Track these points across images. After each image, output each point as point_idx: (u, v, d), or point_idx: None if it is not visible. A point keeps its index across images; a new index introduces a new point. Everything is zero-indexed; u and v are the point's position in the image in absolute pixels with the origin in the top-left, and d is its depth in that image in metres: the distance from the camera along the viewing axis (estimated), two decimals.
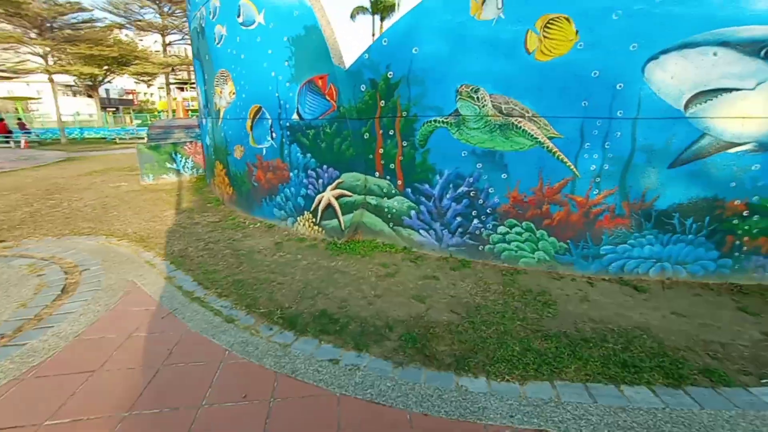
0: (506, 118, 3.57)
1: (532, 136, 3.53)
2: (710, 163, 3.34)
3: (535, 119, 3.51)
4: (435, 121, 3.85)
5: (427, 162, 4.04)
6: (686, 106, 3.21)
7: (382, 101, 4.05)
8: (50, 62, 20.39)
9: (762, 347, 2.65)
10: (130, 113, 39.40)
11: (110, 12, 22.84)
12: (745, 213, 3.43)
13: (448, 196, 4.04)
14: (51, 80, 21.21)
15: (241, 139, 5.49)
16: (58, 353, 2.59)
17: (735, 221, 3.45)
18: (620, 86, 3.25)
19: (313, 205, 4.75)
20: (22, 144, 19.94)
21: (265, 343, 2.71)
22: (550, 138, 3.52)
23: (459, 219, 4.06)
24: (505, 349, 2.60)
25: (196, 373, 2.38)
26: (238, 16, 4.84)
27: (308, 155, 4.63)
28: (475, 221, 3.99)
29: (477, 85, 3.57)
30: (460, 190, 3.96)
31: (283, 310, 3.16)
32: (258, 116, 5.04)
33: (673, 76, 3.15)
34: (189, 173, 8.81)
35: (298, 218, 5.00)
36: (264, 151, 5.17)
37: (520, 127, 3.54)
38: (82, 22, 21.20)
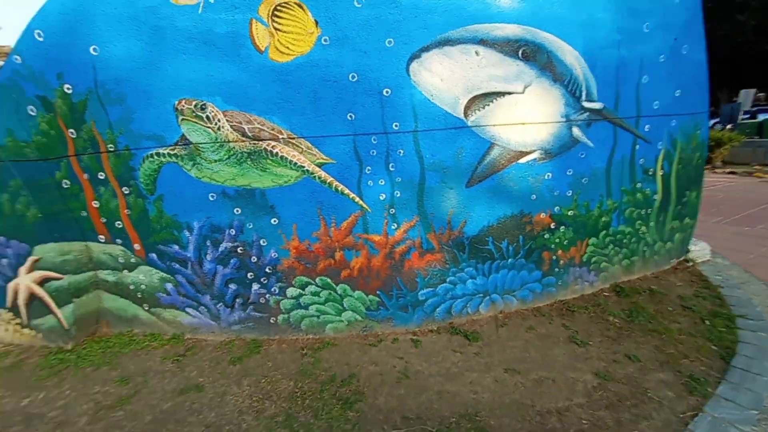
0: (255, 143, 2.50)
1: (296, 164, 2.53)
2: (507, 177, 2.84)
3: (294, 141, 2.52)
4: (157, 154, 2.56)
5: (165, 214, 2.72)
6: (466, 113, 2.60)
7: (72, 130, 2.58)
8: None
9: (470, 402, 2.18)
10: None
11: None
12: (552, 225, 3.07)
13: (208, 257, 2.80)
14: None
15: None
16: None
17: (546, 236, 3.07)
18: (387, 92, 2.47)
19: (9, 300, 2.98)
20: None
21: None
22: (320, 165, 2.57)
23: (233, 286, 2.87)
24: None
25: None
26: None
27: None
28: (255, 286, 2.85)
29: (202, 99, 2.40)
30: (222, 247, 2.76)
31: None
32: None
33: (443, 79, 2.49)
34: None
35: None
36: None
37: (277, 153, 2.50)
38: None
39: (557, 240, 3.12)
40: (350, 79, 2.41)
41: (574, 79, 2.76)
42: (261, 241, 2.73)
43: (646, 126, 3.15)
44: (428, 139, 2.60)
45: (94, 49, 2.35)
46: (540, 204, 2.98)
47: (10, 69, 2.45)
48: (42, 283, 2.87)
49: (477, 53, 2.46)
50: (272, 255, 2.76)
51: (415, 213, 2.75)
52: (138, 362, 2.81)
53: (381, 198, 2.67)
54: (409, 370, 2.57)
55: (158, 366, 2.75)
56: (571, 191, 3.05)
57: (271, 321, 2.94)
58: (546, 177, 2.91)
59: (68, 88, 2.46)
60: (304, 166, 2.54)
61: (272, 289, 2.85)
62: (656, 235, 3.52)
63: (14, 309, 3.01)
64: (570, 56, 2.69)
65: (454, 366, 2.58)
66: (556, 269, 3.18)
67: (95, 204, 2.77)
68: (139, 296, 3.00)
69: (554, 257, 3.15)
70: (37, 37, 2.37)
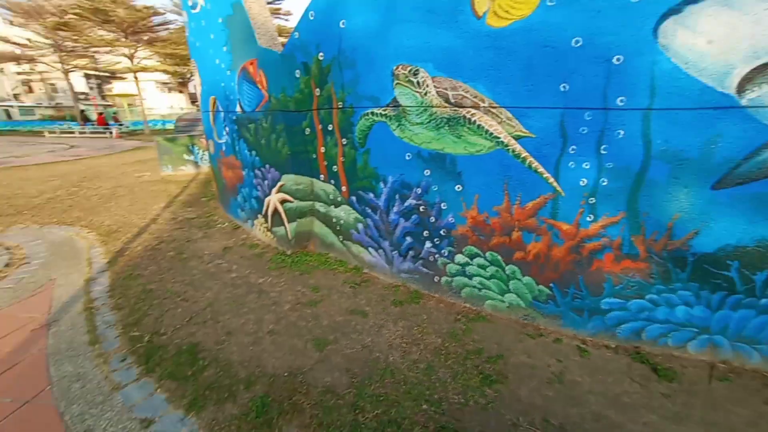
0: (455, 110, 2.55)
1: (491, 134, 2.47)
2: None
3: (494, 111, 2.44)
4: (372, 113, 2.96)
5: (369, 165, 3.17)
6: (741, 88, 1.90)
7: (317, 89, 3.25)
8: (135, 62, 22.68)
9: None
10: None
11: (177, 14, 24.50)
12: None
13: (395, 209, 3.14)
14: (136, 78, 23.61)
15: (210, 132, 5.10)
16: None
17: None
18: (618, 60, 2.04)
19: (264, 209, 4.17)
20: (114, 134, 22.61)
21: (96, 381, 2.25)
22: (516, 138, 2.43)
23: (409, 239, 3.15)
24: None
25: None
26: None
27: (253, 153, 4.03)
28: (428, 244, 3.05)
29: (416, 65, 2.59)
30: (407, 203, 3.04)
31: (154, 337, 2.66)
32: (215, 109, 4.56)
33: (712, 40, 1.87)
34: (207, 165, 8.87)
35: (255, 221, 4.47)
36: (223, 147, 4.70)
37: (474, 121, 2.50)
38: (158, 25, 23.08)
39: None
40: (573, 44, 2.11)
41: None
42: (442, 205, 2.86)
43: None
44: (664, 120, 2.06)
45: (342, 23, 2.84)
46: None
47: (290, 43, 3.25)
48: (282, 202, 3.87)
49: None
50: (449, 219, 2.86)
51: (621, 208, 2.29)
52: (327, 279, 3.50)
53: (581, 183, 2.33)
54: (565, 376, 2.29)
55: (340, 286, 3.36)
56: None
57: (435, 279, 3.10)
58: None
59: (321, 56, 3.08)
60: (499, 137, 2.45)
61: (442, 251, 2.98)
62: None
63: (265, 216, 4.19)
64: None
65: (626, 395, 2.14)
66: None
67: (322, 149, 3.47)
68: (338, 229, 3.67)
69: None
70: (309, 17, 3.03)
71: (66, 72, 25.12)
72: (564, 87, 2.21)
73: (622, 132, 2.17)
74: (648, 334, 2.46)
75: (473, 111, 2.49)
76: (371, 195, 3.24)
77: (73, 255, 4.14)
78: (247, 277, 3.58)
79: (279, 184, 3.81)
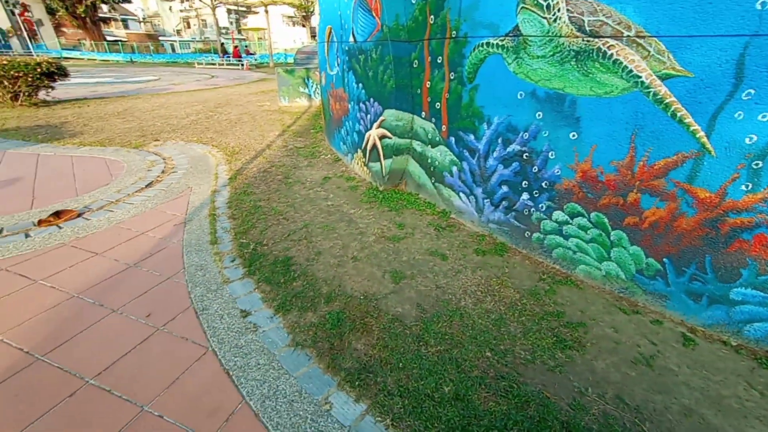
0: (589, 40, 2.15)
1: (630, 71, 2.04)
2: None
3: (642, 42, 1.99)
4: (487, 44, 2.68)
5: (475, 103, 2.95)
6: None
7: (432, 17, 3.04)
8: None
9: None
10: None
11: None
12: None
13: (495, 154, 2.93)
14: (266, 12, 25.32)
15: (323, 64, 5.28)
16: (96, 233, 3.22)
17: None
18: None
19: (364, 143, 4.29)
20: (245, 66, 25.18)
21: (213, 273, 2.71)
22: (665, 77, 1.97)
23: (504, 189, 2.95)
24: (426, 384, 1.84)
25: (139, 279, 2.58)
26: None
27: (360, 85, 4.08)
28: (525, 196, 2.82)
29: None
30: (510, 148, 2.80)
31: (258, 245, 3.07)
32: (330, 39, 4.65)
33: None
34: (319, 98, 9.36)
35: (354, 155, 4.66)
36: (334, 79, 4.84)
37: (611, 55, 2.08)
38: None
39: None
40: None
41: None
42: (550, 153, 2.56)
43: None
44: None
45: None
46: None
47: None
48: (381, 138, 3.91)
49: None
50: (555, 171, 2.56)
51: None
52: (414, 218, 3.54)
53: (747, 141, 1.83)
54: (656, 360, 2.01)
55: (425, 227, 3.37)
56: None
57: (526, 235, 2.90)
58: None
59: None
60: (640, 77, 2.02)
61: (540, 206, 2.73)
62: None
63: (364, 151, 4.32)
64: None
65: (734, 399, 1.80)
66: None
67: (428, 84, 3.33)
68: (432, 170, 3.61)
69: None
70: None
71: (213, 8, 28.17)
72: (761, 5, 1.67)
73: None
74: None
75: (611, 42, 2.07)
76: (471, 137, 3.05)
77: (205, 169, 4.90)
78: (340, 206, 3.82)
79: (380, 119, 3.83)
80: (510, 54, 2.56)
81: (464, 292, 2.54)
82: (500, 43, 2.59)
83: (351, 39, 3.98)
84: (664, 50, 1.93)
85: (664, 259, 2.24)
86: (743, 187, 1.89)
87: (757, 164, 1.82)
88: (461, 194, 3.34)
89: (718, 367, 1.99)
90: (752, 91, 1.75)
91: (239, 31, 38.56)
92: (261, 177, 4.63)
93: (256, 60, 28.56)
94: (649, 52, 1.98)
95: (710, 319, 2.18)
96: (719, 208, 1.98)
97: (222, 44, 30.68)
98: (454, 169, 3.31)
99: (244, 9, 34.16)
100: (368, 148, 4.18)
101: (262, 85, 14.93)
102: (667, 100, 1.97)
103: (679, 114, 1.96)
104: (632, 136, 2.15)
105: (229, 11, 35.36)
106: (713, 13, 1.75)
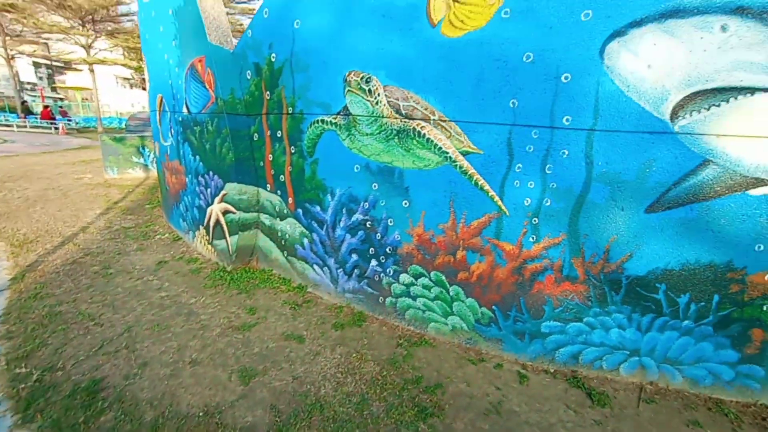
0: (406, 121, 2.47)
1: (440, 148, 2.40)
2: (717, 210, 2.05)
3: (444, 125, 2.38)
4: (322, 121, 2.82)
5: (317, 176, 3.00)
6: (674, 114, 1.95)
7: (268, 92, 3.09)
8: (92, 53, 21.41)
9: None
10: None
11: None
12: None
13: (341, 224, 2.97)
14: (92, 71, 22.29)
15: (156, 134, 4.76)
16: None
17: (765, 306, 2.12)
18: (567, 78, 2.05)
19: (206, 220, 3.86)
20: (61, 131, 21.03)
21: None
22: (464, 153, 2.37)
23: (354, 257, 2.98)
24: None
25: None
26: None
27: (197, 158, 3.76)
28: (373, 262, 2.89)
29: (368, 72, 2.50)
30: (354, 217, 2.89)
31: (45, 374, 2.25)
32: (162, 108, 4.26)
33: (651, 65, 1.91)
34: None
35: (197, 233, 4.13)
36: (168, 150, 4.38)
37: (424, 135, 2.42)
38: (122, 15, 21.96)
39: None
40: (524, 59, 2.10)
41: None
42: (389, 221, 2.73)
43: None
44: (606, 142, 2.08)
45: (297, 23, 2.73)
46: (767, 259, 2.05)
47: (243, 41, 3.09)
48: (224, 213, 3.59)
49: (724, 28, 1.78)
50: (395, 237, 2.73)
51: (563, 229, 2.27)
52: (267, 298, 3.23)
53: (525, 203, 2.29)
54: (503, 405, 2.16)
55: (279, 307, 3.10)
56: None
57: (380, 300, 2.93)
58: None
59: (273, 57, 2.94)
60: (447, 152, 2.38)
61: (387, 270, 2.83)
62: None
63: (207, 228, 3.87)
64: None
65: (561, 424, 2.05)
66: None
67: (270, 157, 3.27)
68: (283, 243, 3.44)
69: None
70: (264, 14, 2.90)
71: (9, 58, 23.20)
72: (513, 103, 2.19)
73: (566, 152, 2.16)
74: (585, 358, 2.42)
75: (423, 124, 2.42)
76: (318, 208, 3.06)
77: None
78: (178, 296, 3.23)
79: (222, 193, 3.54)
80: (343, 131, 2.74)
81: (324, 377, 2.32)
82: (333, 121, 2.76)
83: (185, 110, 3.71)
84: (461, 132, 2.35)
85: (493, 307, 2.53)
86: (531, 239, 2.33)
87: (535, 220, 2.28)
88: (315, 266, 3.24)
89: (545, 396, 2.25)
90: (520, 165, 2.24)
91: (53, 89, 32.61)
92: (68, 271, 3.61)
93: (76, 123, 24.28)
94: (451, 133, 2.37)
95: (533, 353, 2.51)
96: (520, 257, 2.38)
97: (24, 102, 25.03)
98: (305, 241, 3.22)
99: (60, 65, 29.43)
100: (211, 224, 3.77)
101: (83, 153, 12.58)
102: (469, 172, 2.36)
103: (479, 183, 2.35)
104: (451, 202, 2.47)
105: (37, 64, 29.81)
106: (485, 107, 2.23)
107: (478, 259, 2.49)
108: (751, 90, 1.83)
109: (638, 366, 2.37)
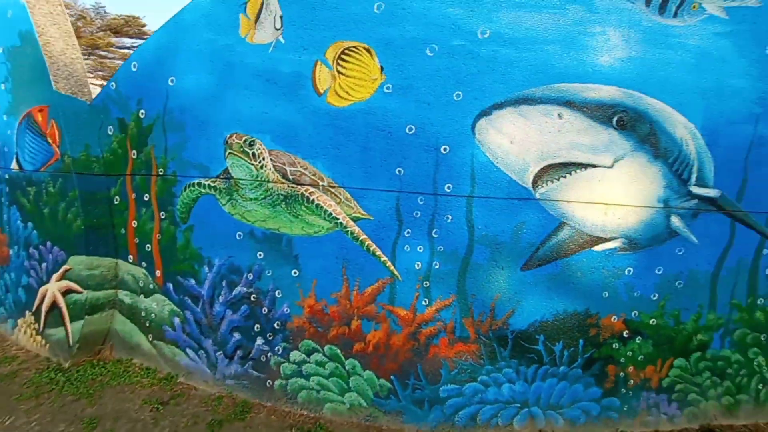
0: (293, 186, 2.36)
1: (330, 214, 2.31)
2: (574, 265, 2.33)
3: (333, 191, 2.34)
4: (199, 184, 2.53)
5: (192, 245, 2.62)
6: (535, 184, 2.24)
7: (134, 151, 2.70)
8: None
9: None
10: None
11: None
12: (625, 333, 2.42)
13: (221, 299, 2.58)
14: None
15: None
16: None
17: (615, 345, 2.42)
18: (446, 149, 2.23)
19: (36, 303, 2.99)
20: None
21: None
22: (355, 220, 2.33)
23: (237, 336, 2.58)
24: None
25: None
26: None
27: (30, 225, 3.00)
28: (259, 341, 2.53)
29: (252, 135, 2.37)
30: (236, 290, 2.54)
31: None
32: None
33: (513, 141, 2.20)
34: None
35: (19, 321, 3.16)
36: None
37: (313, 200, 2.33)
38: None
39: (629, 353, 2.42)
40: (407, 131, 2.23)
41: (683, 157, 2.27)
42: (276, 292, 2.46)
43: None
44: (484, 208, 2.26)
45: (172, 80, 2.51)
46: (613, 304, 2.37)
47: (105, 93, 2.72)
48: (65, 293, 2.85)
49: (560, 116, 2.15)
50: (284, 310, 2.46)
51: (453, 291, 2.32)
52: (119, 401, 2.53)
53: (416, 267, 2.31)
54: None
55: (135, 411, 2.44)
56: (657, 294, 2.41)
57: (267, 384, 2.54)
58: (626, 272, 2.34)
59: (142, 113, 2.61)
60: (338, 218, 2.31)
61: (276, 348, 2.50)
62: None
63: (36, 313, 3.01)
64: (681, 129, 2.25)
65: None
66: (623, 390, 2.44)
67: (134, 223, 2.78)
68: (147, 325, 2.83)
69: (622, 374, 2.43)
70: (132, 68, 2.61)
71: None
72: (399, 171, 2.27)
73: (450, 217, 2.28)
74: (482, 418, 2.39)
75: (312, 189, 2.34)
76: (192, 281, 2.63)
77: None
78: None
79: (64, 268, 2.83)
80: (224, 195, 2.49)
81: None
82: (212, 184, 2.50)
83: (14, 166, 2.99)
84: (350, 198, 2.32)
85: (392, 377, 2.38)
86: (424, 302, 2.32)
87: (426, 284, 2.30)
88: (188, 350, 2.70)
89: None
90: (410, 230, 2.28)
91: None
92: None
93: None
94: (340, 199, 2.33)
95: (434, 421, 2.39)
96: (415, 321, 2.34)
97: None
98: (176, 320, 2.70)
99: None
100: (44, 308, 2.93)
101: None
102: (361, 238, 2.31)
103: (372, 248, 2.31)
104: (344, 269, 2.36)
105: None
106: (373, 173, 2.27)
107: (373, 328, 2.36)
108: (584, 165, 2.22)
109: (528, 417, 2.42)
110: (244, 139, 2.37)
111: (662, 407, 2.50)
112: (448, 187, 2.26)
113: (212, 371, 2.66)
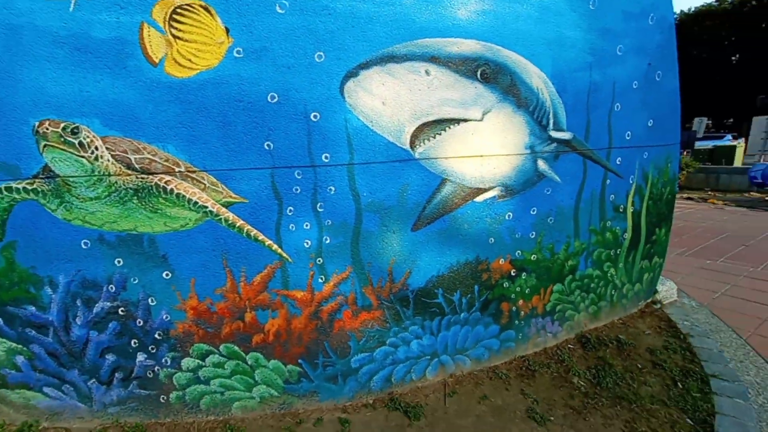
0: (144, 177, 1.97)
1: (196, 203, 2.01)
2: (461, 218, 2.45)
3: (194, 176, 2.02)
4: (8, 189, 1.96)
5: (18, 266, 2.08)
6: (413, 144, 2.22)
7: None
8: None
9: None
10: None
11: None
12: (512, 272, 2.68)
13: (79, 321, 2.14)
14: None
15: None
16: None
17: (505, 284, 2.67)
18: (316, 117, 2.06)
19: None
20: None
21: None
22: (227, 205, 2.07)
23: (111, 357, 2.20)
24: None
25: None
26: None
27: None
28: (141, 357, 2.20)
29: (73, 120, 1.87)
30: (97, 307, 2.13)
31: None
32: None
33: (385, 102, 2.12)
34: None
35: None
36: None
37: (171, 190, 1.98)
38: None
39: (518, 288, 2.71)
40: (269, 100, 1.98)
41: (541, 104, 2.45)
42: (149, 300, 2.13)
43: (618, 159, 2.88)
44: (366, 174, 2.18)
45: None
46: (499, 248, 2.59)
47: None
48: None
49: (427, 72, 2.11)
50: (164, 317, 2.15)
51: (348, 263, 2.27)
52: None
53: (305, 245, 2.18)
54: None
55: None
56: (534, 233, 2.69)
57: (162, 400, 2.26)
58: (506, 217, 2.54)
59: None
60: (206, 207, 2.02)
61: (163, 360, 2.20)
62: (625, 276, 3.20)
63: None
64: (536, 79, 2.40)
65: None
66: (516, 321, 2.77)
67: None
68: None
69: (514, 308, 2.73)
70: None
71: None
72: (269, 145, 2.04)
73: (333, 188, 2.16)
74: (396, 377, 2.50)
75: (168, 178, 1.98)
76: (32, 309, 2.12)
77: None
78: None
79: None
80: (50, 199, 1.98)
81: None
82: (29, 187, 1.96)
83: None
84: (216, 182, 2.03)
85: (300, 360, 2.31)
86: (320, 280, 2.23)
87: (319, 261, 2.20)
88: (47, 388, 2.24)
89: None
90: (292, 208, 2.11)
91: None
92: None
93: None
94: (205, 184, 2.03)
95: (351, 391, 2.42)
96: (314, 301, 2.25)
97: None
98: (20, 360, 2.18)
99: None
100: None
101: None
102: (237, 224, 2.07)
103: (252, 233, 2.09)
104: (224, 261, 2.12)
105: None
106: (238, 151, 2.01)
107: (270, 316, 2.21)
108: (457, 121, 2.26)
109: (439, 366, 2.60)
110: (62, 126, 1.86)
111: (548, 328, 2.90)
112: (326, 157, 2.11)
113: (87, 404, 2.26)
